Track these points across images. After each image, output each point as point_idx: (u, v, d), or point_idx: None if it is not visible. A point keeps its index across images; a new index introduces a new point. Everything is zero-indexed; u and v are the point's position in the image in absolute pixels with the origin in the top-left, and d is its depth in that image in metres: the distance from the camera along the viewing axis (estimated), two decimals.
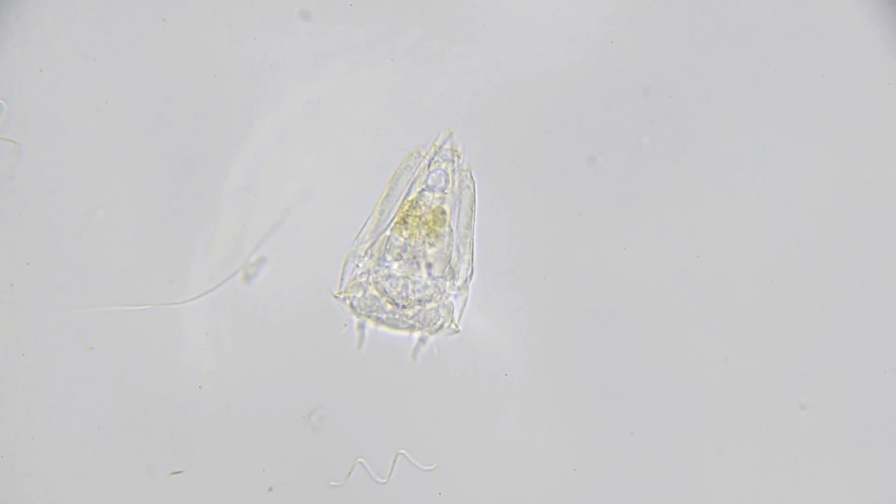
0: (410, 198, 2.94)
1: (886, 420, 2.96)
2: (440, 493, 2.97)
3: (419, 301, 2.91)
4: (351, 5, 3.00)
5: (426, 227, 2.90)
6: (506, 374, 2.97)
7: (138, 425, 2.95)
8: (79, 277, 2.96)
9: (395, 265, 2.90)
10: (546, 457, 2.97)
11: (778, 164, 3.00)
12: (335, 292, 2.92)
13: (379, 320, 2.93)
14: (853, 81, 2.99)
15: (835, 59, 2.99)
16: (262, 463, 2.96)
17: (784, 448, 2.97)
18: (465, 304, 2.94)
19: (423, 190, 2.95)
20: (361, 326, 2.94)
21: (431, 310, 2.92)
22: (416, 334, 2.94)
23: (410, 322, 2.93)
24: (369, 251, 2.93)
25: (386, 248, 2.91)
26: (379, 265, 2.91)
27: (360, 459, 2.93)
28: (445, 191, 2.94)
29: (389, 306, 2.91)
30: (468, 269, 2.94)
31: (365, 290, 2.91)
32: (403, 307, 2.91)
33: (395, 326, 2.93)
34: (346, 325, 2.93)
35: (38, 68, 2.98)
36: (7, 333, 2.95)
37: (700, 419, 2.97)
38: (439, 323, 2.93)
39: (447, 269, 2.91)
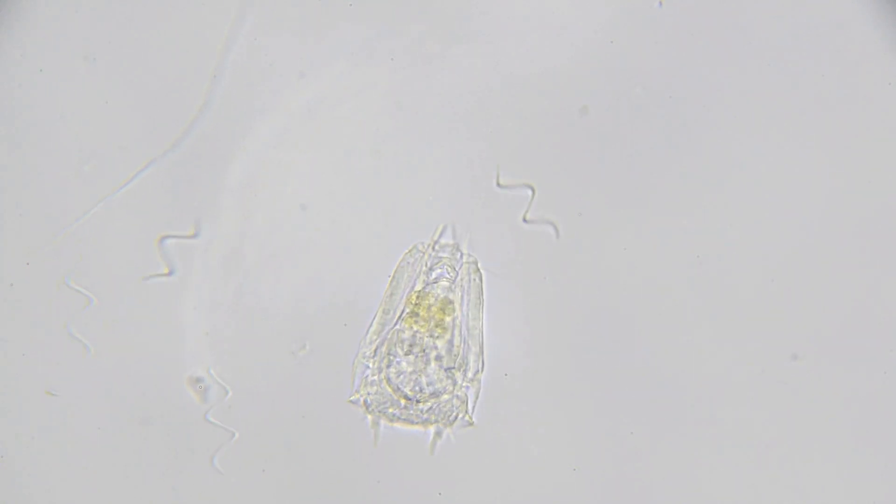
0: (417, 289, 2.95)
1: (887, 420, 2.96)
2: (440, 493, 2.97)
3: (433, 394, 2.91)
4: (351, 5, 3.00)
5: (434, 319, 2.90)
6: (506, 374, 2.97)
7: (138, 425, 2.95)
8: (79, 278, 2.96)
9: (405, 361, 2.90)
10: (546, 457, 2.97)
11: (778, 163, 3.00)
12: (349, 397, 2.93)
13: (394, 416, 2.93)
14: (853, 81, 2.99)
15: (835, 59, 2.99)
16: (263, 463, 2.96)
17: (784, 449, 2.97)
18: (477, 397, 2.95)
19: (427, 285, 2.95)
20: (376, 423, 2.94)
21: (445, 402, 2.92)
22: (432, 428, 2.94)
23: (425, 416, 2.93)
24: (378, 350, 2.93)
25: (395, 343, 2.91)
26: (390, 362, 2.91)
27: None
28: (451, 280, 2.95)
29: (403, 402, 2.92)
30: (478, 362, 2.94)
31: (378, 387, 2.92)
32: (417, 401, 2.91)
33: (410, 421, 2.93)
34: (361, 410, 2.94)
35: (39, 68, 2.98)
36: (7, 333, 2.95)
37: (700, 419, 2.97)
38: (454, 415, 2.93)
39: (459, 360, 2.91)
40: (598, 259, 3.00)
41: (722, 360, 2.98)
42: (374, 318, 2.95)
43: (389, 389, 2.91)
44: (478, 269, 2.97)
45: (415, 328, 2.89)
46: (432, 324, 2.89)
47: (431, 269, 2.96)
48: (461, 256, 2.97)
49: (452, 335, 2.91)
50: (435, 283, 2.93)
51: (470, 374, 2.93)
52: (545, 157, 3.01)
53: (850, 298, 2.98)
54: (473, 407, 2.94)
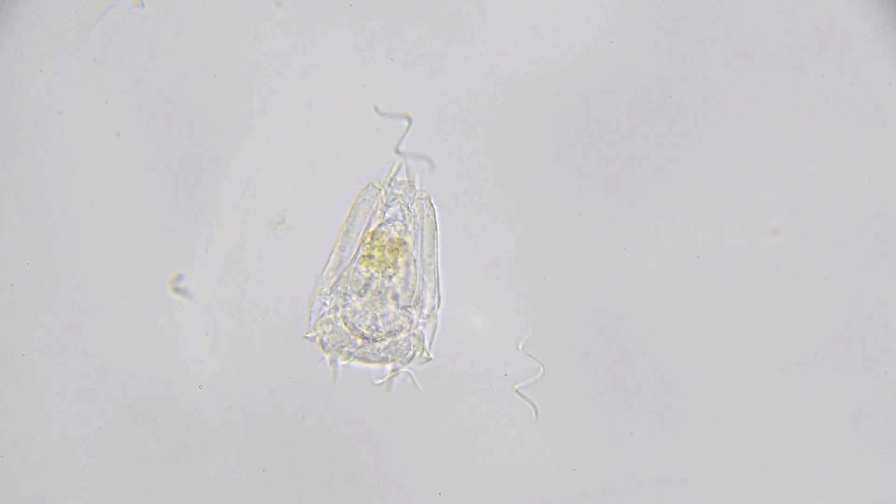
0: (370, 230, 2.96)
1: (887, 421, 2.96)
2: (440, 493, 2.97)
3: (390, 333, 2.93)
4: (351, 5, 3.00)
5: (388, 260, 2.92)
6: (506, 374, 2.98)
7: (138, 425, 2.96)
8: (79, 278, 2.97)
9: (359, 302, 2.92)
10: (546, 457, 2.97)
11: (778, 164, 3.00)
12: (304, 333, 2.94)
13: (350, 354, 2.94)
14: (853, 81, 2.99)
15: (835, 59, 2.99)
16: (262, 463, 2.97)
17: (784, 449, 2.97)
18: (434, 332, 2.96)
19: (381, 224, 2.96)
20: (334, 362, 2.95)
21: (402, 340, 2.94)
22: (389, 366, 2.96)
23: (382, 355, 2.94)
24: (334, 288, 2.95)
25: (350, 284, 2.92)
26: (346, 301, 2.93)
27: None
28: (405, 222, 2.96)
29: (359, 341, 2.93)
30: (434, 297, 2.95)
31: (334, 326, 2.93)
32: (374, 341, 2.93)
33: (367, 360, 2.95)
34: (320, 361, 2.95)
35: (39, 68, 2.98)
36: (7, 333, 2.95)
37: (700, 419, 2.97)
38: (411, 353, 2.94)
39: (413, 298, 2.93)
40: (598, 259, 3.00)
41: (722, 360, 2.98)
42: (330, 255, 2.96)
43: (346, 328, 2.92)
44: (431, 205, 2.97)
45: (371, 270, 2.91)
46: (386, 263, 2.91)
47: (388, 205, 2.97)
48: (414, 193, 2.98)
49: (407, 273, 2.92)
50: (390, 222, 2.95)
51: (426, 311, 2.95)
52: (545, 157, 3.01)
53: (851, 298, 2.98)
54: (430, 343, 2.95)
